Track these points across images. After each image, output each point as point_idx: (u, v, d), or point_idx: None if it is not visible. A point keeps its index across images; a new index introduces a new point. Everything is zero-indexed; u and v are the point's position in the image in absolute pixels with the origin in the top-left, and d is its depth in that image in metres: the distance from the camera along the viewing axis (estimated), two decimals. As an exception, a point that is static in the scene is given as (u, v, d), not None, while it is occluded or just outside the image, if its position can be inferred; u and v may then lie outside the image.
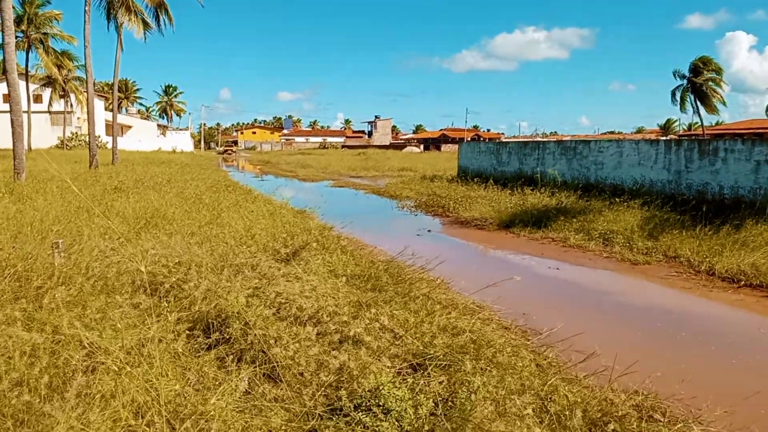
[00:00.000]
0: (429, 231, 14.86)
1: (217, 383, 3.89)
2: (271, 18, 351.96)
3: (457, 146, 30.29)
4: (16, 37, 45.84)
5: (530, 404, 3.76)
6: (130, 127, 76.51)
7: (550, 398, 4.14)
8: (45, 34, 47.25)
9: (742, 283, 9.03)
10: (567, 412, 3.85)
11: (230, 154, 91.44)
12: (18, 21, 45.29)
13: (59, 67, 50.95)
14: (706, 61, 57.11)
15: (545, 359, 5.36)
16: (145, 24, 32.08)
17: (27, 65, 48.87)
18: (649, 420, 4.25)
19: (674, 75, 58.33)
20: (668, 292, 9.01)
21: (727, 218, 11.76)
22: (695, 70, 57.12)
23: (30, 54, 48.53)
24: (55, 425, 3.25)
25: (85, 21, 27.10)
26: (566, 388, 4.31)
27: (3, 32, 16.48)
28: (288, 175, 40.00)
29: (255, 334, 4.76)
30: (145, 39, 32.44)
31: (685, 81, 58.12)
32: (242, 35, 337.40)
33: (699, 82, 56.74)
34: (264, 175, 40.64)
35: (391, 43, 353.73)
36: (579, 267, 10.69)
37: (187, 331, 5.15)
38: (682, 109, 58.62)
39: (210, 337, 4.83)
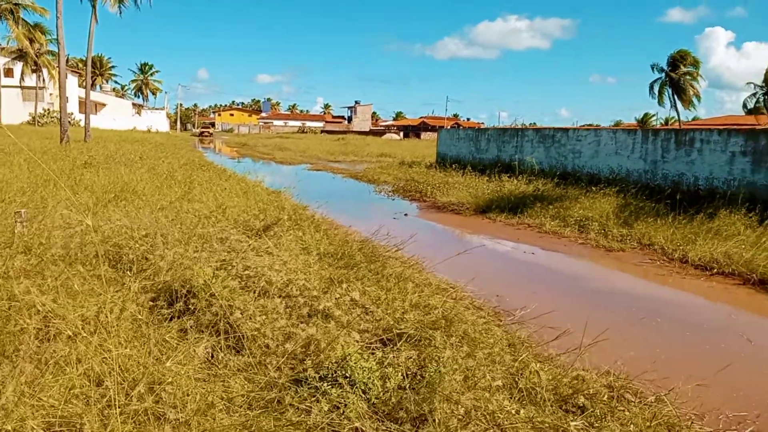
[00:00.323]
0: (405, 215, 14.75)
1: (177, 352, 3.73)
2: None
3: (436, 134, 30.17)
4: (-14, 7, 44.57)
5: (500, 378, 3.67)
6: (104, 105, 74.96)
7: (521, 374, 4.06)
8: (16, 4, 45.86)
9: (715, 270, 9.07)
10: (537, 388, 3.77)
11: (207, 136, 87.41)
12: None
13: (31, 40, 49.57)
14: (684, 54, 57.68)
15: (517, 338, 5.28)
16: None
17: (-3, 37, 47.53)
18: (620, 399, 4.20)
19: (652, 68, 58.90)
20: (642, 279, 9.04)
21: (701, 208, 11.84)
22: (673, 63, 57.70)
23: (1, 25, 47.18)
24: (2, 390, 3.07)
25: (57, -8, 26.30)
26: (537, 365, 4.23)
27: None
28: (265, 157, 39.58)
29: (220, 305, 4.61)
30: (120, 13, 31.70)
31: (663, 74, 58.69)
32: (222, 15, 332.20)
33: (677, 77, 57.34)
34: (240, 158, 40.15)
35: (373, 28, 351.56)
36: (553, 252, 10.68)
37: (151, 302, 4.98)
38: (660, 102, 59.28)
39: (174, 308, 4.66)
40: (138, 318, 4.30)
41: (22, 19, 47.90)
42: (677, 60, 58.09)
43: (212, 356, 4.06)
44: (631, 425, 3.49)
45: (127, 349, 3.52)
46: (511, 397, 3.68)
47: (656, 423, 3.67)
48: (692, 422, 4.06)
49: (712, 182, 14.02)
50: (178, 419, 2.84)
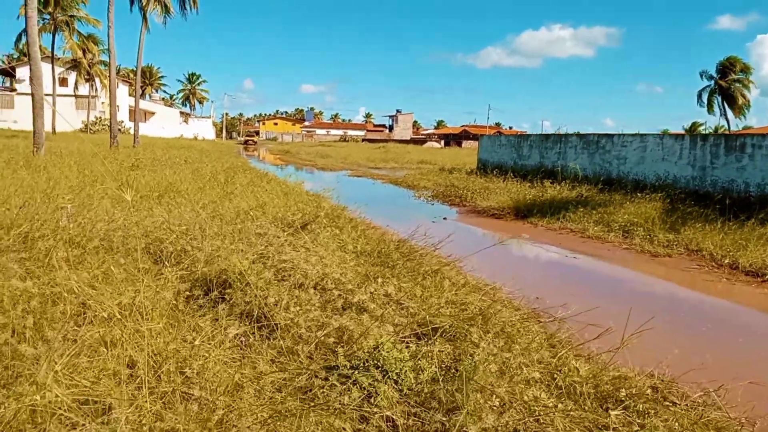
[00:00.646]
0: (444, 218, 14.62)
1: (209, 337, 3.72)
2: (297, 10, 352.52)
3: (477, 143, 29.92)
4: (43, 19, 46.44)
5: (537, 372, 3.54)
6: (153, 113, 77.04)
7: (559, 371, 3.91)
8: (71, 16, 47.65)
9: (767, 277, 8.68)
10: (576, 384, 3.63)
11: (251, 144, 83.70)
12: (45, 3, 45.79)
13: (84, 50, 51.38)
14: (734, 61, 55.93)
15: (556, 337, 5.12)
16: (166, 8, 32.18)
17: (53, 47, 49.42)
18: (664, 399, 4.01)
19: (701, 75, 57.28)
20: (689, 284, 8.71)
21: (752, 214, 11.38)
22: (722, 70, 55.99)
23: (56, 36, 49.04)
24: (38, 368, 3.12)
25: (109, 2, 27.20)
26: (577, 362, 4.08)
27: (26, 5, 16.53)
28: (307, 164, 39.96)
29: (255, 295, 4.60)
30: (165, 23, 32.58)
31: (712, 82, 57.01)
32: (267, 26, 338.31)
33: (726, 84, 55.61)
34: (284, 165, 40.63)
35: (416, 39, 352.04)
36: (597, 257, 10.40)
37: (187, 292, 5.02)
38: (710, 111, 57.57)
39: (209, 297, 4.68)
40: (173, 305, 4.33)
41: (77, 30, 49.80)
42: (726, 67, 56.37)
43: (244, 343, 4.05)
44: (676, 424, 3.31)
45: (160, 333, 3.52)
46: (548, 392, 3.55)
47: (702, 423, 3.47)
48: (742, 426, 3.83)
49: (765, 188, 13.48)
50: (205, 398, 2.82)
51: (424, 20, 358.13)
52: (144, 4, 32.03)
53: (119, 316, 3.80)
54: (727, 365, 5.38)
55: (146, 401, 2.80)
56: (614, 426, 3.09)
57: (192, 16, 33.13)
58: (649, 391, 3.93)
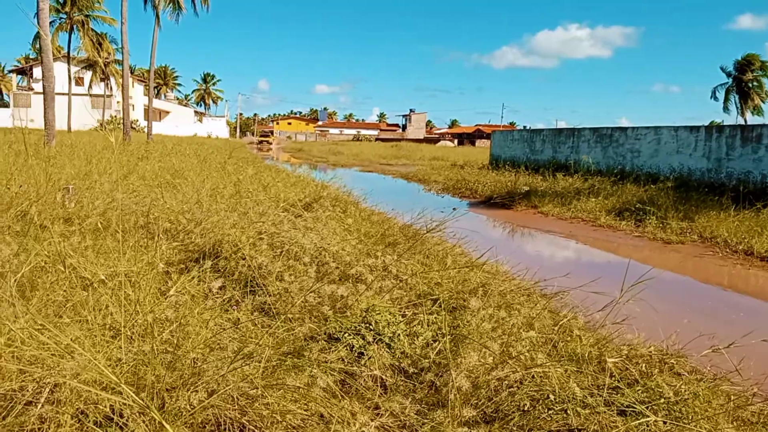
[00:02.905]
0: (454, 209, 14.42)
1: (192, 295, 3.61)
2: (311, 11, 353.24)
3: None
4: (60, 18, 46.86)
5: (537, 337, 3.38)
6: (168, 112, 77.53)
7: (562, 340, 3.75)
8: (87, 15, 48.01)
9: (783, 262, 8.44)
10: (578, 351, 3.46)
11: (266, 144, 75.13)
12: (63, 3, 46.20)
13: (99, 49, 51.76)
14: (752, 59, 55.02)
15: (560, 312, 4.94)
16: (177, 6, 32.34)
17: (69, 47, 49.80)
18: (673, 372, 3.83)
19: (722, 70, 56.33)
20: (701, 269, 8.47)
21: (768, 202, 11.11)
22: (740, 68, 55.13)
23: (72, 36, 49.42)
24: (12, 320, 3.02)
25: (122, -2, 27.34)
26: (581, 331, 3.91)
27: (37, -2, 16.59)
28: (319, 161, 39.92)
29: (249, 266, 4.49)
30: (177, 21, 32.73)
31: (730, 79, 56.17)
32: (282, 27, 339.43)
33: (744, 80, 54.75)
34: (296, 162, 40.63)
35: (430, 40, 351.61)
36: (608, 243, 10.19)
37: (181, 265, 4.92)
38: (725, 109, 56.72)
39: (201, 265, 4.56)
40: (165, 272, 4.22)
41: (92, 30, 50.12)
42: (744, 65, 55.48)
43: (236, 309, 3.93)
44: (683, 386, 3.13)
45: (149, 298, 3.41)
46: (549, 357, 3.38)
47: (711, 390, 3.29)
48: (754, 395, 3.64)
49: (782, 179, 13.17)
50: (178, 344, 2.70)
51: (439, 20, 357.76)
52: (156, 2, 32.20)
53: (109, 284, 3.70)
54: (735, 342, 5.18)
55: (122, 354, 2.68)
56: (615, 383, 2.92)
57: (207, 17, 33.38)
58: (656, 360, 3.75)
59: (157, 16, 32.72)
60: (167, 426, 2.02)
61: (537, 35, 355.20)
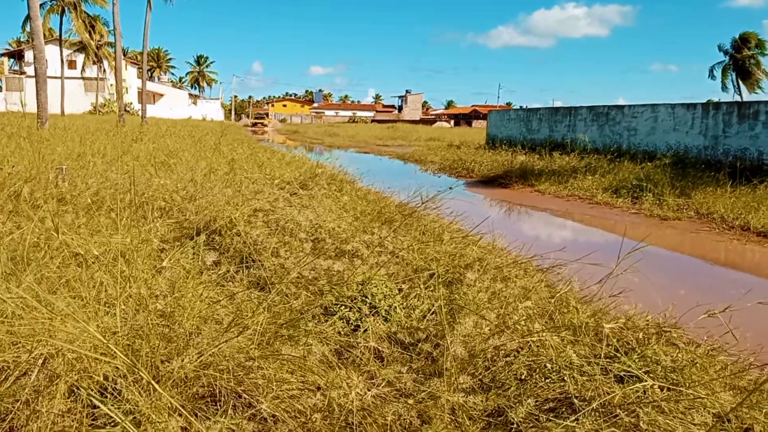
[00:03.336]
0: (450, 188, 14.39)
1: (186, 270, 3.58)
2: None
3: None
4: (51, 0, 46.26)
5: (534, 308, 3.37)
6: (161, 95, 76.90)
7: (558, 310, 3.74)
8: (78, -3, 47.41)
9: (780, 237, 8.45)
10: (576, 322, 3.45)
11: (261, 126, 74.02)
12: (52, -17, 45.58)
13: (91, 32, 51.19)
14: (748, 37, 54.66)
15: (555, 285, 4.94)
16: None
17: (61, 29, 49.27)
18: (670, 343, 3.83)
19: (719, 48, 56.00)
20: (698, 244, 8.48)
21: (764, 178, 11.10)
22: (737, 46, 54.82)
23: (64, 18, 48.84)
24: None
25: (113, -22, 26.97)
26: (578, 303, 3.91)
27: (26, -23, 16.35)
28: (315, 142, 39.77)
29: (245, 242, 4.46)
30: (172, 2, 32.31)
31: (727, 57, 55.90)
32: (275, 8, 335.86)
33: (741, 59, 54.48)
34: (291, 144, 40.46)
35: (425, 20, 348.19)
36: (605, 221, 10.19)
37: (176, 242, 4.89)
38: (723, 88, 56.51)
39: (195, 242, 4.53)
40: (160, 249, 4.19)
41: (84, 12, 49.53)
42: (741, 43, 55.15)
43: (231, 283, 3.91)
44: (680, 354, 3.13)
45: (143, 273, 3.38)
46: (546, 327, 3.37)
47: (708, 357, 3.30)
48: (750, 366, 3.65)
49: (779, 156, 13.14)
50: (169, 313, 2.68)
51: (434, 0, 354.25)
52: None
53: (102, 260, 3.67)
54: (733, 315, 5.19)
55: (115, 318, 2.65)
56: (613, 352, 2.91)
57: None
58: (653, 330, 3.75)
59: (149, -3, 32.32)
60: (158, 387, 2.00)
61: (533, 14, 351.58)
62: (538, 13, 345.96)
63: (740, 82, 55.96)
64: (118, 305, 2.68)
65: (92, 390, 2.27)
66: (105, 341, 2.00)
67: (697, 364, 3.07)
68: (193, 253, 4.07)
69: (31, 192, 6.02)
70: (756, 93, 56.29)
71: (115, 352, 2.02)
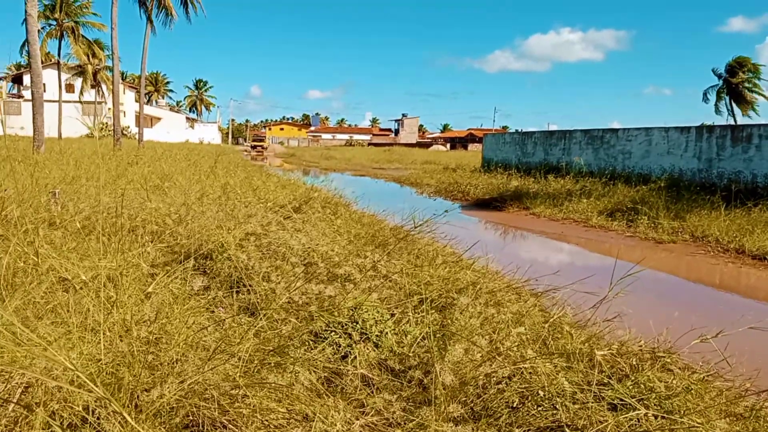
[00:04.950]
0: (446, 212, 14.38)
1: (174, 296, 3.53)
2: (303, 17, 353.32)
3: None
4: (49, 24, 46.64)
5: (527, 334, 3.33)
6: (159, 118, 77.23)
7: (552, 336, 3.70)
8: (76, 22, 47.79)
9: (775, 260, 8.43)
10: (569, 347, 3.41)
11: (260, 150, 68.58)
12: (51, 8, 45.97)
13: (89, 55, 51.53)
14: (742, 61, 55.30)
15: (549, 310, 4.89)
16: (169, 13, 32.30)
17: (59, 53, 49.55)
18: (665, 368, 3.78)
19: (713, 72, 56.59)
20: (693, 267, 8.45)
21: (759, 201, 11.12)
22: (731, 70, 55.41)
23: (63, 42, 49.16)
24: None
25: (112, 2, 27.24)
26: (572, 328, 3.86)
27: (26, 3, 16.48)
28: (311, 165, 39.85)
29: (236, 267, 4.42)
30: (171, 27, 32.65)
31: (721, 81, 56.45)
32: (273, 34, 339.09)
33: (735, 82, 55.03)
34: (288, 167, 40.53)
35: (422, 45, 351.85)
36: (600, 244, 10.16)
37: (167, 267, 4.84)
38: (717, 111, 56.97)
39: (185, 266, 4.49)
40: (150, 274, 4.15)
41: (82, 36, 49.86)
42: (735, 67, 55.75)
43: (222, 311, 3.86)
44: (674, 381, 3.08)
45: (129, 297, 3.34)
46: (538, 354, 3.33)
47: (703, 383, 3.25)
48: (746, 390, 3.60)
49: (772, 178, 13.18)
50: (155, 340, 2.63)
51: (431, 25, 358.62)
52: (149, 8, 32.12)
53: (90, 285, 3.62)
54: (731, 340, 5.14)
55: (102, 351, 2.60)
56: (606, 379, 2.87)
57: (199, 22, 33.32)
58: (647, 356, 3.70)
59: (149, 20, 32.61)
60: (131, 420, 1.95)
61: (529, 39, 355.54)
62: (534, 38, 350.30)
63: (734, 106, 56.45)
64: (102, 332, 2.63)
65: (73, 420, 2.21)
66: (79, 371, 1.95)
67: (692, 391, 3.02)
68: (183, 278, 4.02)
69: (21, 216, 5.98)
70: (748, 116, 56.76)
71: (88, 384, 1.96)
